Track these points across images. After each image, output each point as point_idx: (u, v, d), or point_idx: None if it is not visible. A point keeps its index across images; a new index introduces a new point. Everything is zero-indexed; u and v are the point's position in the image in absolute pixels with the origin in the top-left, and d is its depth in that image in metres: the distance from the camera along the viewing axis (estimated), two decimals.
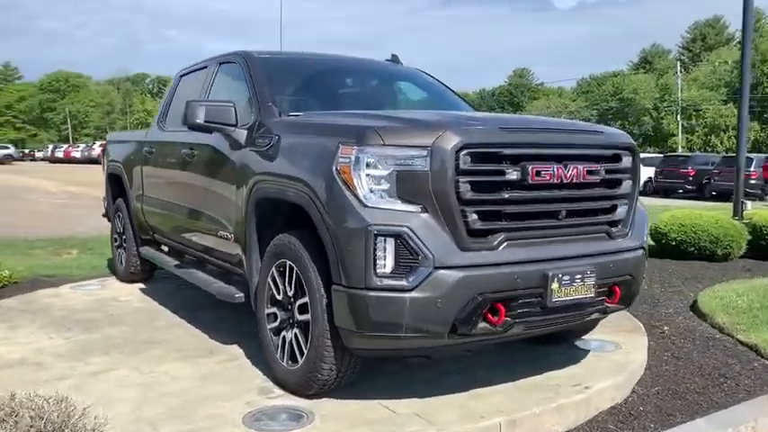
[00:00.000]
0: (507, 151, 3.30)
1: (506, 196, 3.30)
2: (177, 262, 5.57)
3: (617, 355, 4.46)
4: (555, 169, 3.40)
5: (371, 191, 3.19)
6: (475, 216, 3.23)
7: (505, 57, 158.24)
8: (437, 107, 5.18)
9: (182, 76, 6.01)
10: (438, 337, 3.21)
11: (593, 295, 3.52)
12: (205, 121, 4.18)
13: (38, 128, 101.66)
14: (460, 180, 3.18)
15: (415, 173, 3.17)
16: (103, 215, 7.82)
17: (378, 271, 3.12)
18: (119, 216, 6.95)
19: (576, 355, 4.45)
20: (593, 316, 3.72)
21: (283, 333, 3.75)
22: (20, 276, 7.60)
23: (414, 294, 3.10)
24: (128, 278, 6.81)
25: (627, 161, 3.84)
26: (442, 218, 3.17)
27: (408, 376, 4.00)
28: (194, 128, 4.24)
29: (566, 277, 3.40)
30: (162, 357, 4.38)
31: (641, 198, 4.21)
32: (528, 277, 3.31)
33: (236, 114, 4.20)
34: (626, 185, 3.83)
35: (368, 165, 3.19)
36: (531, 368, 4.14)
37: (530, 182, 3.33)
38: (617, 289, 3.72)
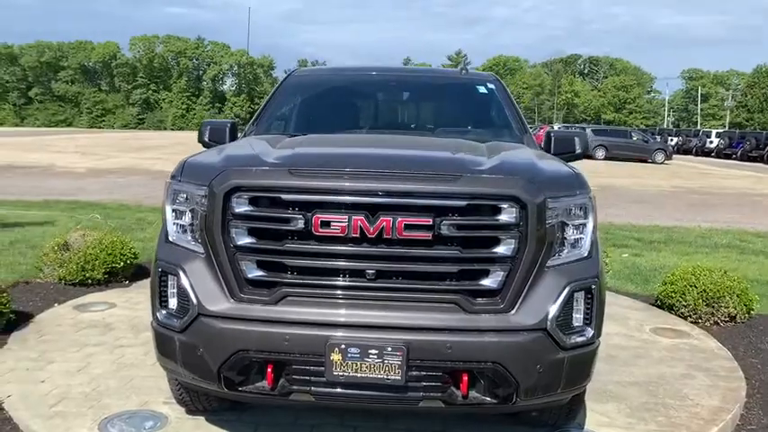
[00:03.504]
0: (288, 197, 2.89)
1: (287, 247, 2.92)
2: None
3: None
4: (351, 221, 2.84)
5: (176, 227, 3.20)
6: (252, 265, 2.96)
7: None
8: (473, 125, 4.52)
9: None
10: (214, 387, 3.07)
11: (399, 378, 2.84)
12: (208, 140, 4.55)
13: None
14: (233, 224, 2.95)
15: (200, 213, 3.07)
16: None
17: (165, 306, 3.15)
18: None
19: None
20: (426, 405, 2.95)
21: None
22: None
23: (181, 337, 3.04)
24: None
25: (508, 215, 2.90)
26: (215, 263, 3.00)
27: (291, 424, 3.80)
28: (205, 146, 4.65)
29: (353, 350, 2.84)
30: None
31: None
32: (304, 342, 2.88)
33: (230, 134, 4.47)
34: (506, 246, 2.91)
35: (173, 200, 3.21)
36: None
37: (314, 233, 2.87)
38: (465, 377, 2.90)
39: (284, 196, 2.90)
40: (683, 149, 46.42)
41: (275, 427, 3.68)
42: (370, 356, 2.84)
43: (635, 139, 37.40)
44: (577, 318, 3.05)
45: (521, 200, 2.88)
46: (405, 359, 2.82)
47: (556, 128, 42.26)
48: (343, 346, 2.84)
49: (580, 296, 3.05)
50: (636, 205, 16.89)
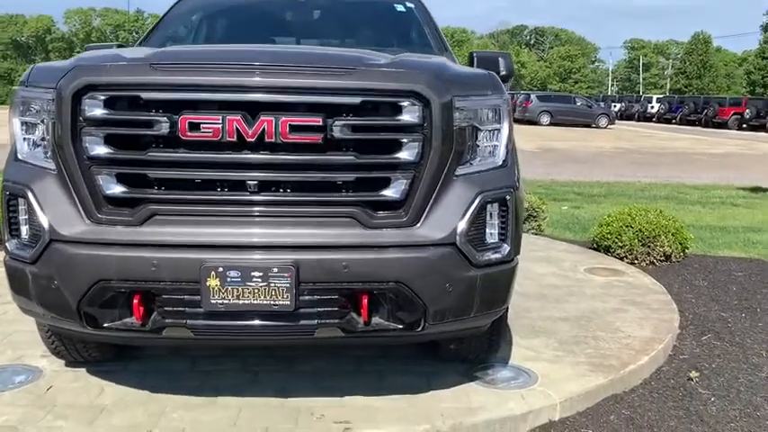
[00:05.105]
0: (149, 95, 2.46)
1: (151, 156, 2.49)
2: None
3: (490, 396, 3.10)
4: (225, 122, 2.42)
5: (27, 143, 2.73)
6: (110, 179, 2.52)
7: None
8: (387, 43, 4.12)
9: None
10: (75, 326, 2.64)
11: (288, 303, 2.47)
12: None
13: None
14: (86, 131, 2.49)
15: (49, 122, 2.60)
16: None
17: (17, 235, 2.69)
18: None
19: (430, 383, 3.21)
20: (323, 334, 2.60)
21: None
22: None
23: (33, 269, 2.59)
24: None
25: (410, 115, 2.53)
26: (68, 179, 2.55)
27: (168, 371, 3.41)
28: None
29: (233, 273, 2.45)
30: None
31: None
32: (174, 267, 2.47)
33: None
34: (408, 151, 2.54)
35: (22, 111, 2.72)
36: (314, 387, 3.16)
37: (182, 138, 2.45)
38: (365, 301, 2.55)
39: (144, 95, 2.46)
40: (625, 115, 47.13)
41: (166, 376, 3.27)
42: (254, 280, 2.45)
43: (579, 104, 37.70)
44: (491, 233, 2.72)
45: (423, 96, 2.51)
46: (294, 281, 2.45)
47: None
48: (220, 270, 2.44)
49: (494, 208, 2.72)
50: (578, 165, 16.88)
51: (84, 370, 3.31)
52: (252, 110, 2.44)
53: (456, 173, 2.64)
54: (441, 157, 2.57)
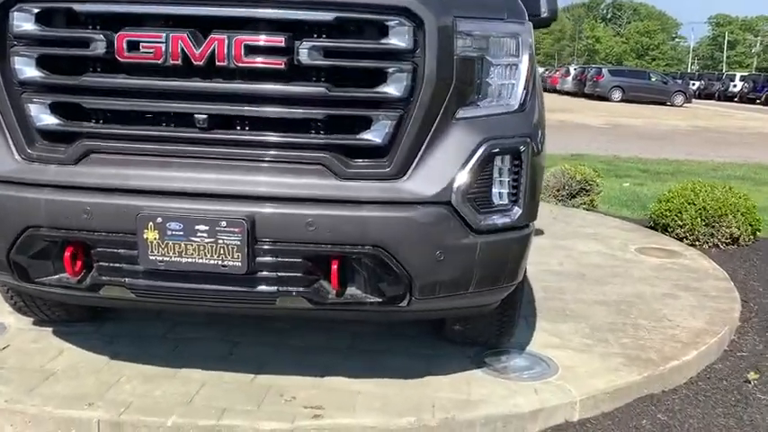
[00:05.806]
0: (83, 7, 2.05)
1: (86, 82, 2.09)
2: None
3: (497, 387, 2.62)
4: (168, 41, 1.99)
5: None
6: (43, 109, 2.13)
7: None
8: None
9: None
10: (8, 278, 2.30)
11: (239, 264, 2.05)
12: None
13: None
14: (15, 51, 2.10)
15: None
16: None
17: None
18: None
19: (429, 367, 2.75)
20: (284, 304, 2.17)
21: None
22: None
23: None
24: None
25: (397, 38, 2.03)
26: (1, 108, 2.19)
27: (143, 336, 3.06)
28: None
29: (174, 225, 2.04)
30: None
31: None
32: (108, 215, 2.08)
33: None
34: (395, 84, 2.05)
35: None
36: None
37: (120, 60, 2.04)
38: (335, 266, 2.10)
39: (78, 6, 2.06)
40: (704, 94, 44.41)
41: (137, 341, 2.94)
42: (198, 235, 2.04)
43: (653, 80, 35.73)
44: (500, 192, 2.21)
45: (415, 14, 2.02)
46: (247, 239, 2.03)
47: (572, 70, 40.79)
48: (159, 220, 2.04)
49: (504, 161, 2.21)
50: (647, 141, 15.82)
51: (49, 330, 3.01)
52: (201, 26, 2.01)
53: (457, 115, 2.14)
54: (436, 93, 2.07)
